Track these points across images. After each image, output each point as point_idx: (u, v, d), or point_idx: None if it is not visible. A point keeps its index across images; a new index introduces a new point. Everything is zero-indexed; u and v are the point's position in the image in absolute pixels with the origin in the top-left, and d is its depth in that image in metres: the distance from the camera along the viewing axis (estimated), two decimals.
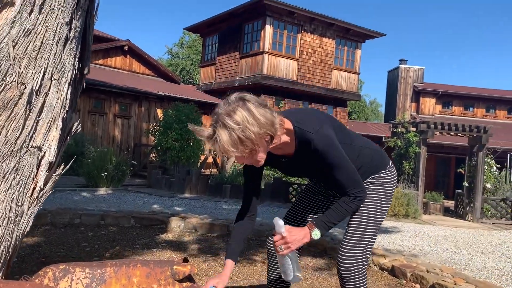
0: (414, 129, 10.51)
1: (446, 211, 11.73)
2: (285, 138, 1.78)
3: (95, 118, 13.38)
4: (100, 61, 15.92)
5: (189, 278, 2.11)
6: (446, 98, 23.21)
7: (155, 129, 12.28)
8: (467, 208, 10.72)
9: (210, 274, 3.45)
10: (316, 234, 1.78)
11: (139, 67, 17.27)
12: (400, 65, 23.15)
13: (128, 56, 16.77)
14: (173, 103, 12.60)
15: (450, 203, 13.14)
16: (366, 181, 1.99)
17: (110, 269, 1.97)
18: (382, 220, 1.99)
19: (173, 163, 11.62)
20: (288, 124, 1.76)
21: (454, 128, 10.20)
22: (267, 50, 15.18)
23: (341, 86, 17.50)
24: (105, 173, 9.68)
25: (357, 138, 2.02)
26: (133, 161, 11.65)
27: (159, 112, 14.20)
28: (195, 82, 28.38)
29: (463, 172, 11.48)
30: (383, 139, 16.83)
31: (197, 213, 7.45)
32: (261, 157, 1.69)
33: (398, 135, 11.12)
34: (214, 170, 13.94)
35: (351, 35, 17.26)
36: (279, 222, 1.78)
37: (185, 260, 2.15)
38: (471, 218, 10.55)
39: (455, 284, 3.42)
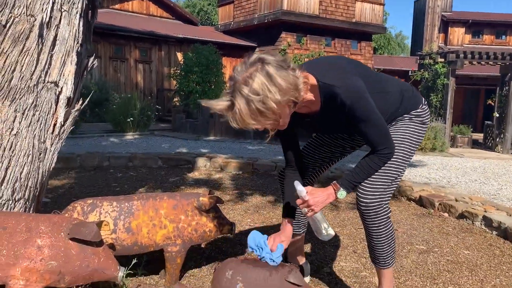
0: (442, 60, 10.07)
1: (475, 144, 11.50)
2: (309, 96, 1.63)
3: (117, 64, 13.35)
4: (117, 6, 15.63)
5: (215, 209, 2.12)
6: (476, 27, 22.01)
7: (176, 73, 12.19)
8: (497, 140, 10.46)
9: (236, 208, 3.50)
10: (342, 194, 1.71)
11: (157, 10, 16.91)
12: None
13: None
14: (192, 46, 12.39)
15: (479, 136, 12.84)
16: (397, 119, 1.87)
17: (137, 202, 1.99)
18: (411, 158, 1.86)
19: (196, 107, 11.62)
20: (312, 80, 1.62)
21: (485, 57, 9.72)
22: None
23: (365, 19, 16.77)
24: (131, 119, 9.79)
25: (386, 82, 1.86)
26: (157, 106, 11.71)
27: (179, 56, 14.04)
28: (213, 23, 27.71)
29: (493, 103, 11.10)
30: (410, 73, 16.29)
31: (222, 153, 7.52)
32: (284, 122, 1.57)
33: (425, 67, 10.71)
34: None
35: None
36: (298, 188, 1.72)
37: (211, 193, 2.16)
38: (501, 149, 10.32)
39: (485, 211, 3.37)
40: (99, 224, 1.69)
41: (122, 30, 12.83)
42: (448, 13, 21.75)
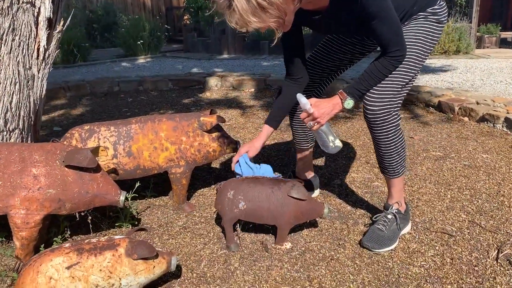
0: None
1: (503, 43, 10.87)
2: None
3: None
4: None
5: (218, 129, 2.05)
6: None
7: None
8: None
9: (247, 127, 3.43)
10: (349, 103, 1.61)
11: None
12: None
13: None
14: None
15: (508, 34, 12.10)
16: (412, 17, 1.68)
17: (135, 126, 1.93)
18: (424, 61, 1.69)
19: (207, 24, 11.20)
20: None
21: None
22: None
23: None
24: (141, 41, 9.55)
25: None
26: (166, 26, 11.34)
27: None
28: None
29: None
30: None
31: (236, 72, 7.35)
32: (289, 21, 1.43)
33: None
34: None
35: None
36: (302, 100, 1.62)
37: (212, 112, 2.07)
38: None
39: (507, 113, 3.21)
40: (95, 150, 1.64)
41: None
42: None
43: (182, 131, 1.97)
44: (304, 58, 1.86)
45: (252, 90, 4.91)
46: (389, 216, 1.80)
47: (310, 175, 2.21)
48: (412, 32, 1.67)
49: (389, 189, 1.85)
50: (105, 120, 3.76)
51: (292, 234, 1.84)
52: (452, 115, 3.57)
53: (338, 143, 1.70)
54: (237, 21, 1.32)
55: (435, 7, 1.68)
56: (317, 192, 2.22)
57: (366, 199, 2.18)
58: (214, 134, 2.02)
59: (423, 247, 1.75)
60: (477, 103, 3.56)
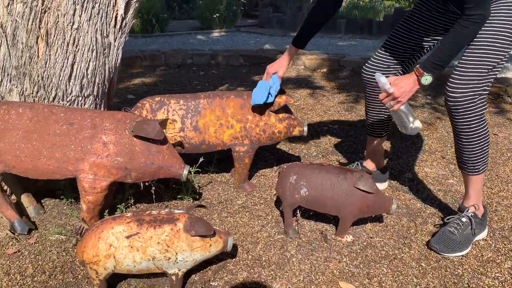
0: None
1: None
2: None
3: None
4: None
5: (285, 109, 1.99)
6: None
7: None
8: None
9: (315, 109, 3.33)
10: (427, 79, 1.49)
11: None
12: None
13: None
14: None
15: None
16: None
17: (203, 101, 1.91)
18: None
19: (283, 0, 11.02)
20: None
21: None
22: None
23: None
24: (217, 15, 9.62)
25: None
26: (243, 0, 11.30)
27: None
28: None
29: None
30: None
31: (309, 50, 7.18)
32: None
33: None
34: None
35: None
36: (381, 79, 1.53)
37: (282, 91, 2.01)
38: None
39: None
40: (164, 122, 1.65)
41: None
42: None
43: (249, 109, 1.93)
44: None
45: (325, 70, 4.76)
46: (464, 219, 1.66)
47: (380, 165, 2.08)
48: (504, 7, 1.48)
49: (466, 188, 1.70)
50: (176, 92, 3.82)
51: (354, 227, 1.75)
52: None
53: (418, 124, 1.60)
54: None
55: None
56: (385, 185, 2.10)
57: (438, 197, 2.03)
58: (281, 115, 1.96)
59: (500, 257, 1.59)
60: None
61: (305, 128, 2.02)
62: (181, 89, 3.92)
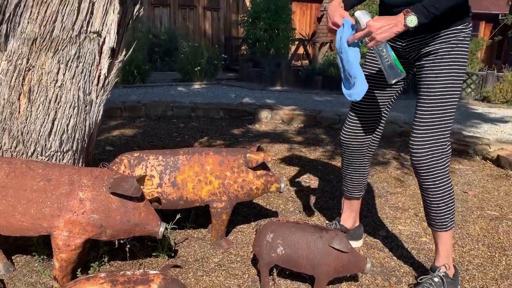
0: None
1: None
2: None
3: (186, 12, 13.35)
4: None
5: (263, 166, 2.03)
6: None
7: (243, 20, 11.96)
8: None
9: (293, 164, 3.39)
10: (412, 20, 1.43)
11: None
12: None
13: None
14: None
15: None
16: (441, 35, 1.57)
17: (183, 157, 1.94)
18: (460, 91, 1.60)
19: (262, 55, 11.41)
20: None
21: None
22: None
23: None
24: (198, 68, 9.85)
25: None
26: (224, 55, 11.65)
27: (247, 1, 13.70)
28: None
29: None
30: (500, 17, 14.67)
31: (287, 105, 7.36)
32: None
33: None
34: (305, 62, 13.51)
35: None
36: (362, 18, 1.49)
37: (259, 149, 2.06)
38: None
39: None
40: (141, 178, 1.66)
41: None
42: None
43: (228, 166, 1.96)
44: None
45: (302, 125, 4.89)
46: (436, 279, 1.69)
47: (356, 223, 2.12)
48: (443, 60, 1.58)
49: (436, 246, 1.74)
50: (155, 144, 3.85)
51: (330, 286, 1.76)
52: (511, 171, 3.36)
53: (396, 73, 1.53)
54: None
55: (466, 24, 1.59)
56: (360, 243, 2.13)
57: (412, 255, 2.06)
58: (259, 172, 2.00)
59: None
60: None
61: (283, 185, 2.06)
62: (160, 141, 3.95)
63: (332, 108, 6.65)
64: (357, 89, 1.57)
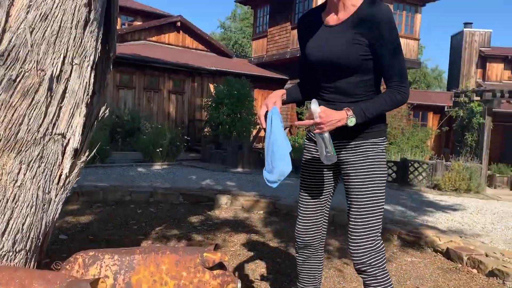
0: (478, 98, 9.77)
1: None
2: None
3: (150, 95, 13.69)
4: (154, 38, 16.16)
5: (220, 265, 2.05)
6: None
7: (207, 104, 12.37)
8: None
9: (251, 255, 3.40)
10: (352, 121, 1.66)
11: (192, 43, 17.36)
12: (465, 29, 21.52)
13: (181, 32, 16.89)
14: (225, 78, 12.59)
15: None
16: (367, 142, 1.78)
17: (138, 256, 1.94)
18: (384, 197, 1.79)
19: (225, 138, 11.70)
20: None
21: None
22: None
23: None
24: (160, 149, 9.93)
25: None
26: (186, 137, 11.85)
27: (212, 87, 14.27)
28: (248, 55, 28.24)
29: None
30: (445, 109, 15.88)
31: (248, 188, 7.46)
32: None
33: (460, 105, 10.41)
34: None
35: None
36: (314, 107, 1.68)
37: (216, 247, 2.09)
38: None
39: None
40: (95, 282, 1.64)
41: (157, 62, 13.20)
42: (486, 48, 21.28)
43: (184, 265, 1.97)
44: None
45: (261, 212, 4.95)
46: None
47: None
48: (370, 165, 1.77)
49: None
50: (111, 232, 3.77)
51: None
52: (460, 265, 3.49)
53: (333, 157, 1.74)
54: None
55: (385, 139, 1.84)
56: None
57: None
58: (216, 272, 2.01)
59: None
60: (486, 255, 3.50)
61: (239, 285, 2.06)
62: (116, 228, 3.88)
63: (291, 192, 6.79)
64: (276, 174, 1.78)
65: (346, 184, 1.83)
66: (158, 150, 9.89)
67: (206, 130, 13.52)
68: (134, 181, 7.47)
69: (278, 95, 1.87)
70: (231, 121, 11.55)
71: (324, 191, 2.00)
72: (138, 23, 17.68)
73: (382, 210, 1.77)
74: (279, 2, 16.56)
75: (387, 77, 1.71)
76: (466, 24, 21.69)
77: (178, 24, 16.56)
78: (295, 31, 15.49)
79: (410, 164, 9.37)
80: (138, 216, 4.39)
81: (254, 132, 12.89)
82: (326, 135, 1.71)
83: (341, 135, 1.77)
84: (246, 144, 11.01)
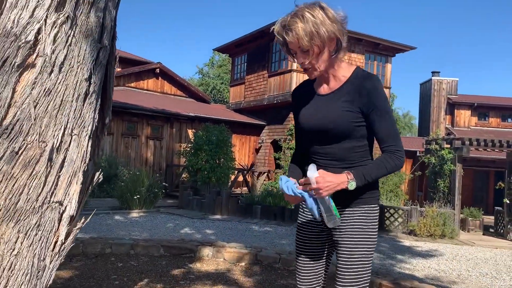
0: (448, 146, 10.19)
1: (486, 229, 11.25)
2: (342, 68, 1.83)
3: (128, 140, 13.69)
4: (132, 84, 16.36)
5: None
6: (482, 109, 22.47)
7: (186, 150, 12.44)
8: (508, 227, 10.25)
9: None
10: (352, 185, 1.70)
11: (171, 89, 17.63)
12: (433, 77, 22.62)
13: (159, 78, 17.17)
14: (203, 124, 12.76)
15: (490, 219, 12.61)
16: (361, 210, 1.86)
17: None
18: (372, 259, 1.89)
19: (203, 184, 11.72)
20: (354, 64, 1.89)
21: (491, 144, 9.83)
22: (295, 68, 15.19)
23: None
24: (138, 196, 9.84)
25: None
26: (164, 183, 11.80)
27: (190, 133, 14.41)
28: (225, 100, 28.73)
29: (502, 187, 11.01)
30: (418, 154, 16.39)
31: (227, 236, 7.45)
32: (320, 66, 1.76)
33: (431, 152, 10.81)
34: (245, 189, 13.95)
35: (381, 50, 17.04)
36: (311, 172, 1.70)
37: None
38: None
39: None
40: None
41: (136, 108, 13.31)
42: (454, 96, 22.32)
43: None
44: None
45: (243, 264, 4.96)
46: None
47: None
48: (361, 231, 1.85)
49: None
50: (93, 287, 3.72)
51: None
52: None
53: (335, 220, 1.76)
54: (292, 36, 1.71)
55: (377, 207, 1.91)
56: None
57: None
58: None
59: None
60: None
61: None
62: (98, 284, 3.83)
63: (271, 240, 6.82)
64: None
65: (336, 248, 1.91)
66: (135, 197, 9.81)
67: (184, 175, 13.50)
68: (111, 231, 7.38)
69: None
70: (209, 167, 11.61)
71: (321, 254, 2.04)
72: (118, 69, 17.89)
73: (369, 275, 1.86)
74: (256, 51, 17.13)
75: (381, 141, 1.79)
76: (434, 73, 22.82)
77: (157, 70, 16.87)
78: (272, 79, 16.13)
79: (386, 210, 9.57)
80: (120, 270, 4.35)
81: (233, 177, 12.96)
82: (327, 198, 1.73)
83: (336, 201, 1.81)
84: (224, 190, 11.04)
